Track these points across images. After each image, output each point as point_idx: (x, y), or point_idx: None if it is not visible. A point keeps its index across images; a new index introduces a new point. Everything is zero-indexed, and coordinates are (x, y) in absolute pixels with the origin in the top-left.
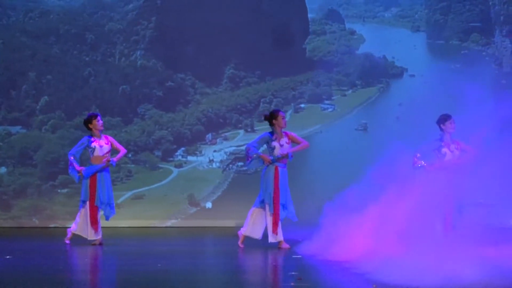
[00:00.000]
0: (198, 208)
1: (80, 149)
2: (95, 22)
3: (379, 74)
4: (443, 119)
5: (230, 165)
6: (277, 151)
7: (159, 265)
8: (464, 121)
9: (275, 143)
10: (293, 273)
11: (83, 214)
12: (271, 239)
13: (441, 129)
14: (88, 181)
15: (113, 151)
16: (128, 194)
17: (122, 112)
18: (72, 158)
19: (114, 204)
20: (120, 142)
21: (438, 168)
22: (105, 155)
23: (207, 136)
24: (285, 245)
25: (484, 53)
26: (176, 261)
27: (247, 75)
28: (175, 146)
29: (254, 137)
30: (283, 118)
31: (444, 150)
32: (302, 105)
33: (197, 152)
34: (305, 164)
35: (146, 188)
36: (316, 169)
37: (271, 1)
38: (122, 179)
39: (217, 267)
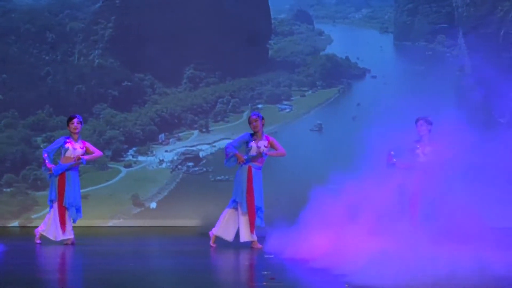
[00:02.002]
0: (142, 208)
1: (55, 148)
2: (57, 21)
3: (340, 75)
4: (415, 121)
5: (180, 166)
6: (253, 152)
7: (131, 264)
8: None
9: (252, 144)
10: (265, 272)
11: (52, 214)
12: (245, 238)
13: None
14: (56, 181)
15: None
16: None
17: (77, 112)
18: (45, 155)
19: (81, 207)
20: None
21: (408, 168)
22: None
23: (160, 136)
24: (258, 245)
25: (448, 55)
26: (147, 261)
27: (208, 75)
28: (126, 146)
29: (208, 137)
30: (251, 121)
31: (418, 151)
32: (260, 106)
33: (149, 152)
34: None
35: (92, 188)
36: (271, 169)
37: (233, 1)
38: None
39: (189, 266)
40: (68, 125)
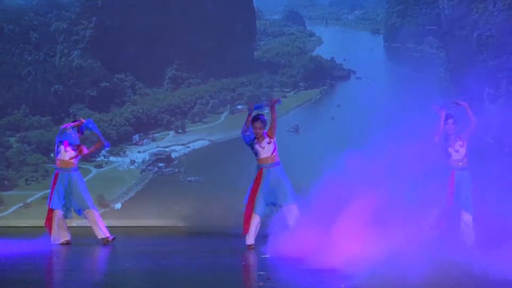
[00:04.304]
0: (107, 209)
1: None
2: (41, 21)
3: (324, 76)
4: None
5: (150, 166)
6: (261, 154)
7: (127, 265)
8: (405, 124)
9: (257, 147)
10: (261, 272)
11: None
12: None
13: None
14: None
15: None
16: (39, 194)
17: (54, 112)
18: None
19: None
20: (42, 142)
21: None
22: (69, 160)
23: (134, 137)
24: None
25: (435, 56)
26: (142, 261)
27: (190, 76)
28: None
29: (183, 138)
30: (255, 128)
31: (450, 150)
32: (239, 106)
33: (121, 153)
34: (235, 164)
35: None
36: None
37: (216, 1)
38: (37, 178)
39: (185, 267)
40: None
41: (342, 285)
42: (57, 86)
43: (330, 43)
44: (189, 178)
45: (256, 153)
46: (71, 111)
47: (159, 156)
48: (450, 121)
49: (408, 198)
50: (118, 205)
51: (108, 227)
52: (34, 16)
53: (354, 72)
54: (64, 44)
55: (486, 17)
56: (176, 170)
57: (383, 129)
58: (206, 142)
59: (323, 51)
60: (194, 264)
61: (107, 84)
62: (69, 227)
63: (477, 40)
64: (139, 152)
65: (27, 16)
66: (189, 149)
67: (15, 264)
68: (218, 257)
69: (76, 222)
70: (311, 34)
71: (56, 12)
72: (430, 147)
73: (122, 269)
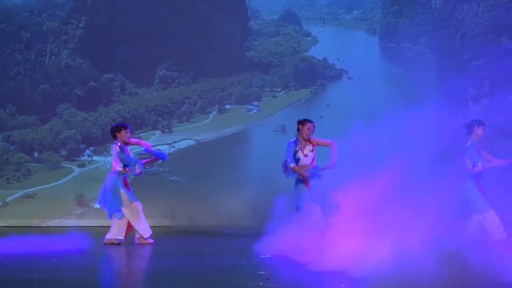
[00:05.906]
0: (86, 208)
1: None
2: (34, 21)
3: (315, 76)
4: (477, 125)
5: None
6: (302, 162)
7: (127, 265)
8: (393, 125)
9: (299, 154)
10: (261, 272)
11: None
12: None
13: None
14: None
15: None
16: (20, 193)
17: (40, 111)
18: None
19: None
20: (25, 141)
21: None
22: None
23: None
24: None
25: (429, 56)
26: (141, 262)
27: (180, 75)
28: (83, 146)
29: (169, 138)
30: (308, 129)
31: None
32: (228, 106)
33: (105, 152)
34: (220, 164)
35: (40, 187)
36: (238, 169)
37: (208, 2)
38: (19, 177)
39: (185, 267)
40: (119, 132)
41: (342, 285)
42: (44, 86)
43: (326, 43)
44: (172, 178)
45: (297, 161)
46: (57, 110)
47: (142, 156)
48: (482, 127)
49: (402, 197)
50: (97, 205)
51: (87, 227)
52: (29, 15)
53: (347, 72)
54: (54, 44)
55: (470, 18)
56: (160, 169)
57: (373, 127)
58: (192, 142)
59: (318, 51)
60: (195, 264)
61: (95, 83)
62: (45, 227)
63: (461, 40)
64: None
65: (19, 16)
66: (174, 149)
67: (14, 264)
68: (217, 257)
69: (53, 221)
70: (307, 34)
71: (50, 11)
72: (424, 146)
73: (121, 269)
